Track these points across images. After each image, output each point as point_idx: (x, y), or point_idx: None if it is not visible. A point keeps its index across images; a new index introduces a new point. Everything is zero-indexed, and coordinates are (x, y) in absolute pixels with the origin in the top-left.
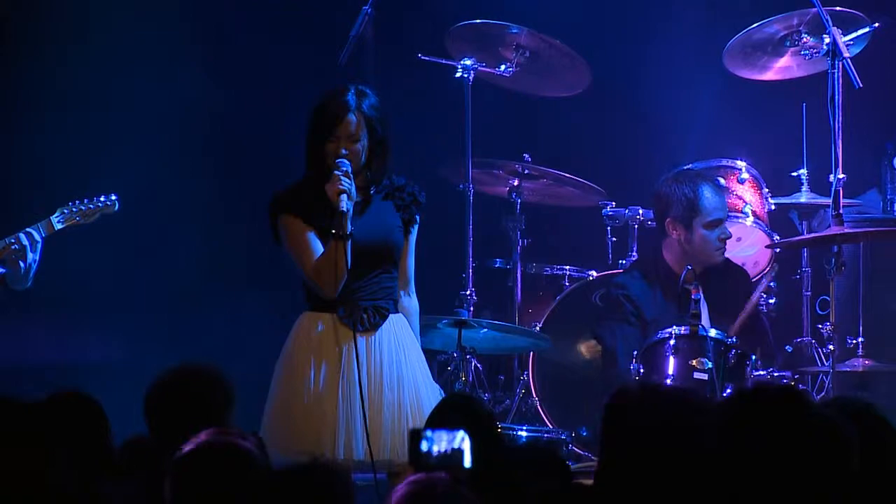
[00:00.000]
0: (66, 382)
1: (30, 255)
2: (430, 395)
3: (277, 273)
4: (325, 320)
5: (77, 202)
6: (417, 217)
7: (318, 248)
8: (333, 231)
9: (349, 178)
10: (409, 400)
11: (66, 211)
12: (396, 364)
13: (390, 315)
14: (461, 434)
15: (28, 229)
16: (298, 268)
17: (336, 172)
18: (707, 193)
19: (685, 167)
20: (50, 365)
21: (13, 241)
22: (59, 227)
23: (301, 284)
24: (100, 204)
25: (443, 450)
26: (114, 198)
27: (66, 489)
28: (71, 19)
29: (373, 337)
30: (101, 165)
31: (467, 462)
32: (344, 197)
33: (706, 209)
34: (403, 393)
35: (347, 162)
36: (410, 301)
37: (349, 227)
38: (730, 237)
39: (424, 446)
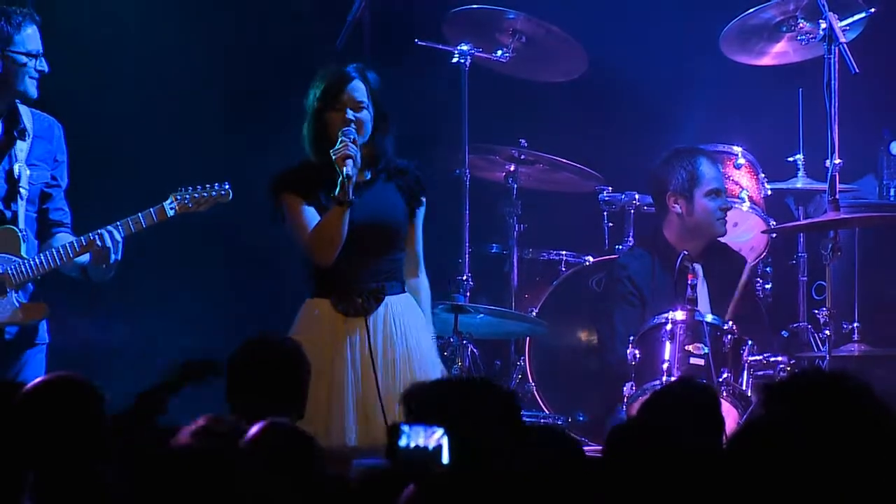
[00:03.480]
0: (69, 367)
1: (112, 256)
2: (427, 377)
3: (285, 259)
4: (323, 306)
5: (190, 188)
6: (423, 199)
7: (315, 220)
8: (334, 196)
9: (356, 146)
10: (403, 384)
11: (178, 197)
12: (392, 348)
13: (391, 297)
14: (439, 430)
15: (109, 227)
16: (297, 242)
17: (343, 138)
18: (707, 163)
19: (676, 147)
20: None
21: (97, 237)
22: (171, 213)
23: (305, 270)
24: (213, 193)
25: (420, 445)
26: (227, 187)
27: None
28: None
29: (368, 321)
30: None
31: (445, 458)
32: (350, 162)
33: (706, 178)
34: (398, 377)
35: (354, 130)
36: (420, 282)
37: (351, 194)
38: (731, 208)
39: (402, 441)
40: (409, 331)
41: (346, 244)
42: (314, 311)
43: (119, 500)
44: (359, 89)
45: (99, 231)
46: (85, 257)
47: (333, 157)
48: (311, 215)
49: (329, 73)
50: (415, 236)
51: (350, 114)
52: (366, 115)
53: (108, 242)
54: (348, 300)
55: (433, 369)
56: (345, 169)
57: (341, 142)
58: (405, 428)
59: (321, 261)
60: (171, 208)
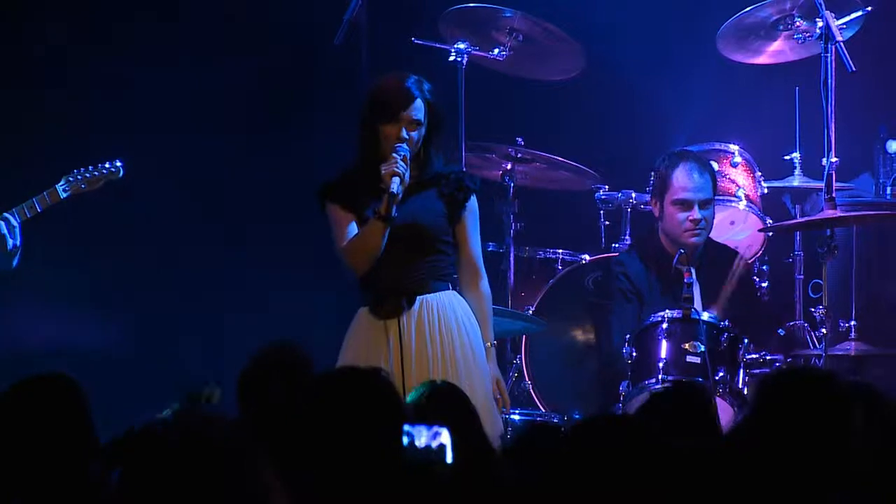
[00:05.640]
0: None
1: (10, 241)
2: (470, 376)
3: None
4: (364, 313)
5: (82, 169)
6: (467, 204)
7: (354, 231)
8: (377, 211)
9: (406, 164)
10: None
11: (70, 179)
12: (430, 344)
13: (427, 295)
14: (443, 430)
15: (5, 214)
16: (336, 250)
17: (394, 154)
18: (681, 172)
19: (682, 148)
20: (46, 351)
21: None
22: (64, 195)
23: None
24: (104, 171)
25: (424, 445)
26: (118, 164)
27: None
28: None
29: (401, 321)
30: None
31: (449, 458)
32: (396, 180)
33: (674, 187)
34: (438, 374)
35: (407, 147)
36: (478, 294)
37: (394, 210)
38: (700, 219)
39: (406, 441)
40: (447, 326)
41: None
42: (359, 319)
43: (107, 497)
44: (418, 108)
45: None
46: None
47: (382, 172)
48: (351, 226)
49: (390, 86)
50: (464, 241)
51: (404, 132)
52: (419, 133)
53: (4, 229)
54: (383, 304)
55: (475, 368)
56: (391, 187)
57: (391, 158)
58: (408, 428)
59: (354, 270)
60: (64, 190)
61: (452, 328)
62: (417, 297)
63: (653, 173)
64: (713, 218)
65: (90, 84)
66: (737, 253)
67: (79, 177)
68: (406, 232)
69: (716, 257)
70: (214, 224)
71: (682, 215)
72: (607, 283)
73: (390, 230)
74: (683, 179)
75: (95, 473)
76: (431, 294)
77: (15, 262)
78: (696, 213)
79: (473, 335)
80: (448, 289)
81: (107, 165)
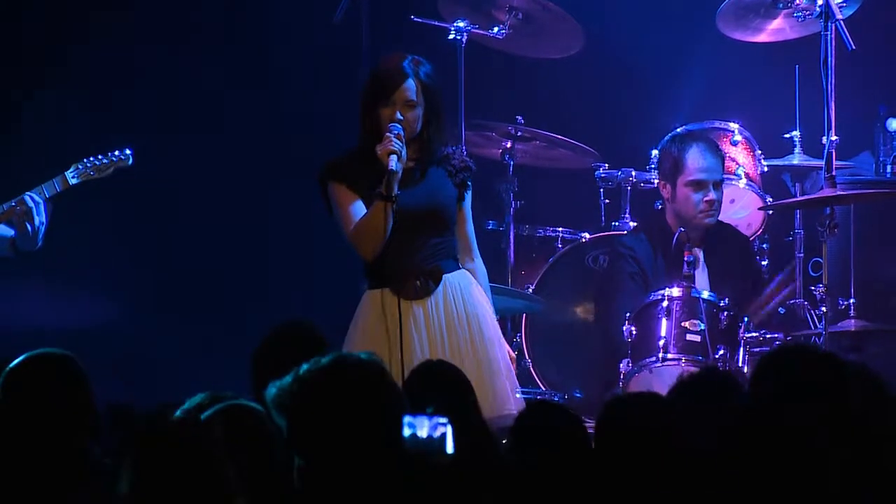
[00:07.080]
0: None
1: (36, 218)
2: (500, 351)
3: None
4: (379, 297)
5: (91, 157)
6: (469, 183)
7: (362, 213)
8: (378, 191)
9: (401, 141)
10: (473, 357)
11: (80, 166)
12: (458, 322)
13: (447, 274)
14: (444, 419)
15: (30, 192)
16: (342, 233)
17: (388, 134)
18: (694, 153)
19: (688, 128)
20: (48, 328)
21: (15, 203)
22: (73, 182)
23: (362, 264)
24: (114, 158)
25: (425, 435)
26: (128, 152)
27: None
28: None
29: (429, 302)
30: (114, 126)
31: (450, 448)
32: (394, 157)
33: (689, 168)
34: (468, 350)
35: (400, 126)
36: (475, 267)
37: (395, 189)
38: (714, 200)
39: (406, 431)
40: (471, 303)
41: (398, 231)
42: (374, 302)
43: (106, 475)
44: (411, 88)
45: (15, 199)
46: (10, 231)
47: (378, 153)
48: (358, 207)
49: (384, 68)
50: (464, 220)
51: (398, 114)
52: (415, 114)
53: (30, 203)
54: (406, 285)
55: (498, 342)
56: (389, 164)
57: (385, 137)
58: (408, 419)
59: (364, 254)
60: (74, 177)
61: (477, 306)
62: (443, 277)
63: (658, 153)
64: (722, 198)
65: (93, 73)
66: (743, 235)
67: (88, 164)
68: (424, 213)
69: (725, 238)
70: (217, 211)
71: (697, 196)
72: (616, 265)
73: (408, 211)
74: (698, 160)
75: (94, 451)
76: (450, 273)
77: (40, 241)
78: (711, 194)
79: (493, 312)
80: (459, 268)
81: (116, 153)
